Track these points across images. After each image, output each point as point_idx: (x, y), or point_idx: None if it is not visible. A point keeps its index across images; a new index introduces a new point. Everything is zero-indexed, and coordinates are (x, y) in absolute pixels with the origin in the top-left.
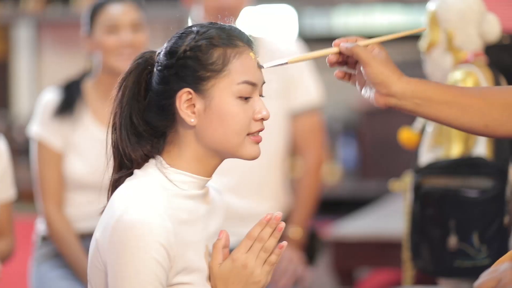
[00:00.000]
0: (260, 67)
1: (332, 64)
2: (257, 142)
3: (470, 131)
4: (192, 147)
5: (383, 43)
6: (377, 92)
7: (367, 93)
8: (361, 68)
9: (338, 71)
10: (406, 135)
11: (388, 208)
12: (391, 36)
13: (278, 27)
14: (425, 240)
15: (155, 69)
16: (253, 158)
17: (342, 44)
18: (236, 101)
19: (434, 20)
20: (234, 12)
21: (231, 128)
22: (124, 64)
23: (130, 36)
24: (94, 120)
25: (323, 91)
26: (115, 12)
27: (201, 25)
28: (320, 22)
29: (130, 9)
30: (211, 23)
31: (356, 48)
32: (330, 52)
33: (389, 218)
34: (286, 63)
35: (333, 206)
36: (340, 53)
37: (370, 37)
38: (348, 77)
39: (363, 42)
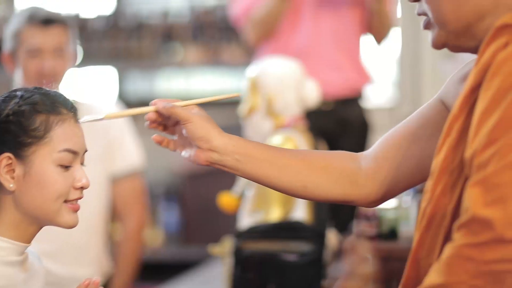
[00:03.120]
0: (77, 122)
1: (151, 123)
2: (75, 211)
3: (290, 192)
4: (10, 212)
5: (204, 107)
6: (199, 148)
7: (188, 153)
8: (182, 128)
9: (156, 135)
10: (226, 199)
11: (210, 272)
12: (207, 99)
13: (101, 90)
14: None
15: None
16: (71, 226)
17: (160, 104)
18: (56, 168)
19: (254, 85)
20: (56, 76)
21: (49, 196)
22: None
23: None
24: None
25: (144, 155)
26: None
27: (26, 90)
28: (143, 85)
29: None
30: (36, 88)
31: (175, 108)
32: (148, 110)
33: (210, 283)
34: (103, 118)
35: (155, 270)
36: (158, 114)
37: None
38: (166, 142)
39: (180, 103)
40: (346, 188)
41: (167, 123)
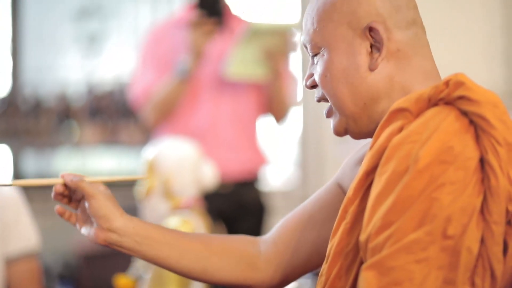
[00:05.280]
0: None
1: (57, 195)
2: None
3: (189, 275)
4: None
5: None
6: (99, 227)
7: (88, 230)
8: (85, 204)
9: (59, 206)
10: (122, 282)
11: None
12: (114, 178)
13: None
14: None
15: None
16: None
17: (67, 177)
18: None
19: (152, 166)
20: None
21: None
22: None
23: None
24: None
25: (40, 235)
26: None
27: None
28: (39, 165)
29: None
30: None
31: (82, 182)
32: (55, 182)
33: None
34: (11, 184)
35: None
36: (65, 187)
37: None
38: (68, 215)
39: (88, 179)
40: (245, 272)
41: (72, 196)
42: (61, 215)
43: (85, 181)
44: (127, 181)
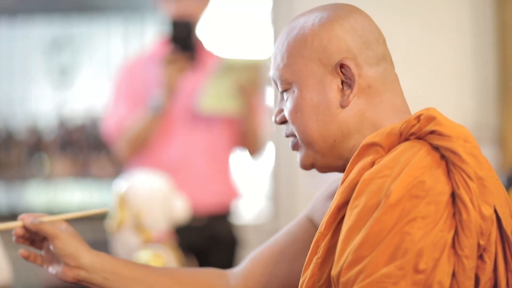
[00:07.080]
0: None
1: (18, 239)
2: None
3: None
4: None
5: (72, 222)
6: (66, 265)
7: (55, 269)
8: (50, 244)
9: (23, 250)
10: None
11: None
12: (75, 215)
13: None
14: None
15: None
16: None
17: (27, 219)
18: None
19: (123, 200)
20: None
21: None
22: None
23: None
24: None
25: (11, 268)
26: None
27: None
28: (10, 197)
29: None
30: None
31: (42, 224)
32: (15, 225)
33: None
34: None
35: None
36: (26, 229)
37: (60, 213)
38: (34, 257)
39: (47, 218)
40: None
41: (34, 238)
42: (26, 258)
43: (45, 222)
44: (88, 216)
